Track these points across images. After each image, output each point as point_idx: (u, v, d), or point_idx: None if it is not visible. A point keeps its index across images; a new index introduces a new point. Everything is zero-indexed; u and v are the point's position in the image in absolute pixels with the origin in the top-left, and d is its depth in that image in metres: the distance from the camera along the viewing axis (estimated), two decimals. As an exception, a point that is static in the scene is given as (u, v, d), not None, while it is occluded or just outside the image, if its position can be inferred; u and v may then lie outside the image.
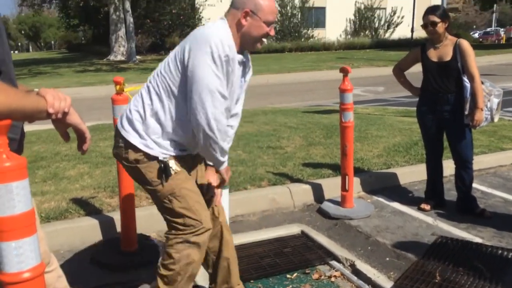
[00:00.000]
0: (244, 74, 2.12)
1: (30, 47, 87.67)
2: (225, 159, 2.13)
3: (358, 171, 4.30)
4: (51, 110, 1.26)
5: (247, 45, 2.03)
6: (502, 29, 43.82)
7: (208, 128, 1.90)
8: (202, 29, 1.96)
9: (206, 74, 1.84)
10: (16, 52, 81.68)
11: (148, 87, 2.03)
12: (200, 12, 27.90)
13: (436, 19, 3.34)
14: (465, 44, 3.36)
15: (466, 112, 3.36)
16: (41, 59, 33.07)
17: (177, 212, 2.01)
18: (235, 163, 4.68)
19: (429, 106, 3.55)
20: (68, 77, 16.85)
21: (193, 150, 2.11)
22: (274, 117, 7.48)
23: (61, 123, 1.35)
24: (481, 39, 40.92)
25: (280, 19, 30.58)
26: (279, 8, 30.38)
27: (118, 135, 2.08)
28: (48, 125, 7.26)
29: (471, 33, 42.28)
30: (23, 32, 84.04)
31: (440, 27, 3.35)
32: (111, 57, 24.28)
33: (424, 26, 3.42)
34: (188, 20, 27.23)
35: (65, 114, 1.32)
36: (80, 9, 32.59)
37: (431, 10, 3.40)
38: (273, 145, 5.49)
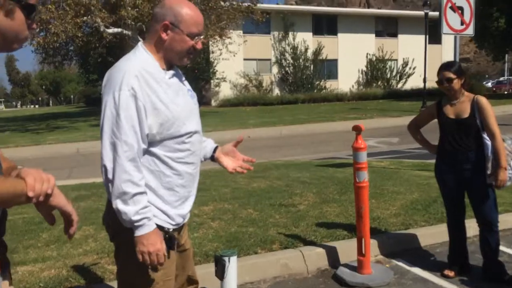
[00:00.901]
0: (186, 84, 1.96)
1: (51, 102, 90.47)
2: (132, 209, 1.68)
3: (374, 232, 4.07)
4: (31, 194, 1.14)
5: (173, 60, 1.84)
6: (515, 78, 43.82)
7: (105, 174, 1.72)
8: (109, 70, 1.80)
9: (106, 121, 1.70)
10: (37, 106, 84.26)
11: None
12: (215, 66, 28.58)
13: (452, 75, 3.24)
14: (483, 100, 3.23)
15: (489, 171, 3.18)
16: (59, 113, 33.95)
17: None
18: (246, 223, 4.50)
19: (449, 165, 3.38)
20: (84, 131, 17.11)
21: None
22: (286, 171, 7.33)
23: (45, 206, 1.23)
24: (494, 89, 40.89)
25: (293, 71, 31.17)
26: (291, 61, 31.05)
27: None
28: (60, 182, 7.21)
29: (484, 82, 42.39)
30: (44, 87, 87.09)
31: (456, 83, 3.25)
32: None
33: (440, 83, 3.31)
34: (203, 74, 27.86)
35: (48, 196, 1.19)
36: (99, 64, 33.76)
37: (446, 66, 3.31)
38: (286, 202, 5.31)
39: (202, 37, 1.87)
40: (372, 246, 3.77)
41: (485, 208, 3.29)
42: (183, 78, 1.96)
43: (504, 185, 3.16)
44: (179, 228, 1.94)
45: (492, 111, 3.22)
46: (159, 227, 1.78)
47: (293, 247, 3.86)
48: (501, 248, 3.65)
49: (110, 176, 1.69)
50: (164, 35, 1.78)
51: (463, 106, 3.29)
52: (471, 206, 3.41)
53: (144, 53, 1.80)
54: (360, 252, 3.51)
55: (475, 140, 3.26)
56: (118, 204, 1.68)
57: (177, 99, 1.81)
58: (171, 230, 1.83)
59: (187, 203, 1.92)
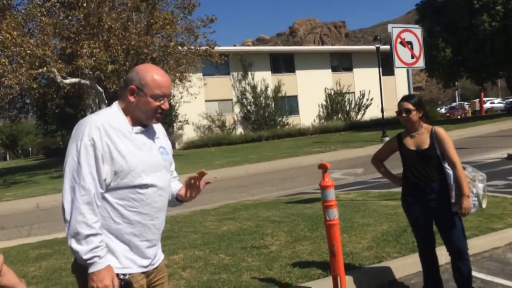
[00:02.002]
0: (157, 141, 2.07)
1: (7, 156, 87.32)
2: (84, 248, 1.80)
3: (349, 268, 4.04)
4: None
5: (142, 119, 2.00)
6: (466, 103, 46.04)
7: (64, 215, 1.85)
8: (78, 121, 1.98)
9: (67, 167, 1.86)
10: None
11: None
12: (177, 109, 28.58)
13: (410, 107, 3.35)
14: (441, 131, 3.34)
15: (453, 200, 3.24)
16: (17, 167, 32.73)
17: None
18: (218, 269, 4.37)
19: (414, 196, 3.43)
20: (43, 185, 16.50)
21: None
22: (256, 211, 7.25)
23: None
24: (448, 114, 42.74)
25: (255, 110, 31.56)
26: (252, 100, 31.50)
27: None
28: (17, 241, 6.81)
29: (438, 109, 44.24)
30: (0, 141, 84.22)
31: (414, 115, 3.35)
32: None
33: (399, 113, 3.41)
34: (165, 118, 27.76)
35: None
36: (57, 115, 33.10)
37: (406, 98, 3.43)
38: (257, 244, 5.22)
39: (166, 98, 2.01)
40: (348, 284, 3.72)
41: (454, 237, 3.33)
42: (156, 136, 2.09)
43: (469, 212, 3.22)
44: (143, 276, 1.97)
45: (450, 141, 3.32)
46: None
47: (268, 291, 3.76)
48: (473, 273, 3.68)
49: (67, 217, 1.83)
50: (131, 98, 1.97)
51: (422, 137, 3.38)
52: (440, 235, 3.45)
53: (116, 110, 1.99)
54: (336, 291, 3.45)
55: (437, 170, 3.33)
56: (72, 243, 1.82)
57: (137, 153, 1.93)
58: (127, 276, 1.90)
59: (143, 252, 1.97)
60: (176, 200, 2.23)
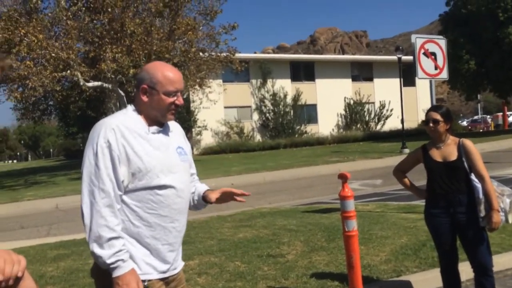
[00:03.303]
0: (175, 142, 2.04)
1: (29, 156, 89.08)
2: (107, 252, 1.77)
3: (366, 281, 3.96)
4: (0, 277, 1.05)
5: (158, 118, 1.97)
6: (488, 116, 45.21)
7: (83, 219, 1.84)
8: (95, 124, 1.96)
9: (85, 171, 1.85)
10: (15, 161, 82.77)
11: None
12: (196, 115, 28.76)
13: (439, 117, 3.28)
14: (469, 144, 3.27)
15: (482, 214, 3.16)
16: (38, 167, 33.34)
17: None
18: (233, 277, 4.34)
19: (441, 208, 3.34)
20: (63, 186, 16.73)
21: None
22: (273, 219, 7.21)
23: None
24: (469, 127, 42.00)
25: (273, 117, 31.56)
26: (271, 107, 31.52)
27: None
28: (36, 241, 6.92)
29: (459, 121, 43.53)
30: (22, 142, 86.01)
31: (442, 126, 3.28)
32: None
33: (425, 123, 3.36)
34: (184, 123, 27.96)
35: (18, 279, 1.10)
36: (78, 117, 33.66)
37: (435, 108, 3.38)
38: (273, 252, 5.18)
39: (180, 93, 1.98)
40: (365, 297, 3.65)
41: (479, 253, 3.24)
42: (174, 136, 2.06)
43: (498, 227, 3.14)
44: (162, 283, 1.94)
45: (478, 154, 3.26)
46: None
47: (284, 301, 3.71)
48: (496, 291, 3.57)
49: (87, 221, 1.81)
50: (144, 98, 1.95)
51: (449, 149, 3.32)
52: (464, 250, 3.36)
53: (131, 111, 1.98)
54: (353, 304, 3.39)
55: (465, 182, 3.26)
56: (95, 248, 1.78)
57: (154, 153, 1.91)
58: (146, 283, 1.86)
59: (164, 256, 1.94)
60: (202, 200, 2.19)
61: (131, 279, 1.78)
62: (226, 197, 2.17)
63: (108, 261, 1.76)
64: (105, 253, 1.76)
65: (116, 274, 1.77)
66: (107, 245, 1.77)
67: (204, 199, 2.17)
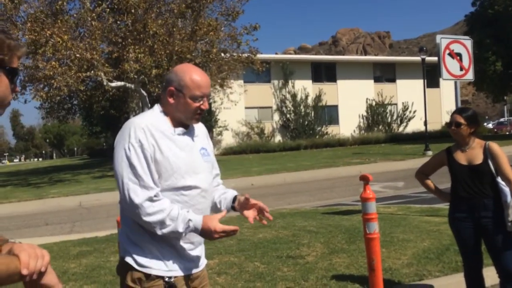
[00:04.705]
0: (199, 143, 2.06)
1: (54, 154, 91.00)
2: (173, 226, 1.85)
3: (388, 285, 3.90)
4: (25, 272, 1.06)
5: (182, 120, 2.00)
6: (515, 118, 44.13)
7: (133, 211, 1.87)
8: (125, 122, 2.00)
9: (123, 172, 1.87)
10: (40, 159, 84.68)
11: None
12: (217, 115, 28.90)
13: (462, 121, 3.21)
14: (496, 147, 3.19)
15: (510, 218, 3.07)
16: (62, 166, 33.99)
17: None
18: (253, 277, 4.33)
19: (465, 212, 3.27)
20: (86, 184, 17.04)
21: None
22: (292, 220, 7.18)
23: (35, 284, 1.12)
24: (495, 130, 41.07)
25: (294, 118, 31.48)
26: (291, 108, 31.44)
27: None
28: (60, 237, 7.03)
29: (485, 124, 42.60)
30: (47, 140, 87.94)
31: (464, 129, 3.21)
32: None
33: (448, 125, 3.29)
34: (206, 123, 28.12)
35: (41, 274, 1.10)
36: (102, 117, 34.21)
37: (459, 110, 3.31)
38: (293, 253, 5.15)
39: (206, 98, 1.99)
40: (386, 300, 3.60)
41: (505, 258, 3.15)
42: (198, 137, 2.08)
43: None
44: (187, 280, 1.96)
45: (505, 157, 3.17)
46: (158, 277, 1.87)
47: (303, 303, 3.69)
48: (522, 298, 3.47)
49: (140, 221, 1.85)
50: (170, 100, 1.97)
51: (474, 152, 3.24)
52: (489, 255, 3.27)
53: (157, 112, 2.00)
54: (374, 308, 3.34)
55: (491, 186, 3.18)
56: (165, 232, 1.84)
57: (180, 154, 1.93)
58: (172, 279, 1.89)
59: (188, 255, 1.97)
60: (231, 209, 2.16)
61: (210, 223, 1.86)
62: (252, 207, 2.13)
63: (183, 231, 1.85)
64: (174, 228, 1.84)
65: (199, 229, 1.86)
66: (171, 223, 1.83)
67: (233, 207, 2.16)
